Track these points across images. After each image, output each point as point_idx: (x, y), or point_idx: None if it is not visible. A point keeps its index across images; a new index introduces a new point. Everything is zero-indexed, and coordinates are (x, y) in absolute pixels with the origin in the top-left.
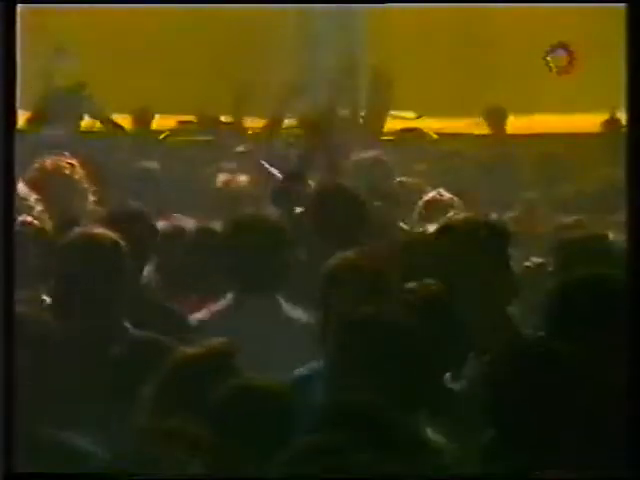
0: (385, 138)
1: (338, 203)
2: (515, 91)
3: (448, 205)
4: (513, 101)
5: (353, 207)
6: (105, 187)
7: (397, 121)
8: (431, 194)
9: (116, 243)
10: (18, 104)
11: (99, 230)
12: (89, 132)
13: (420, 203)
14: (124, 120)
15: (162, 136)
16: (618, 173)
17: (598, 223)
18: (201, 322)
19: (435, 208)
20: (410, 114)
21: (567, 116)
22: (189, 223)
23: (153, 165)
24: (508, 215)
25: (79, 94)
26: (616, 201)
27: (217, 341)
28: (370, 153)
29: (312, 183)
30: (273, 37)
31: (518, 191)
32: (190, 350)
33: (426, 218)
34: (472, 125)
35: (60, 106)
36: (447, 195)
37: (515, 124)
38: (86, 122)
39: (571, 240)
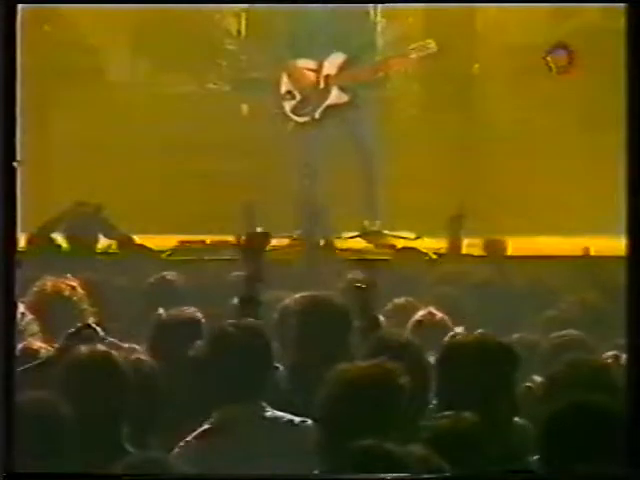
0: (382, 258)
1: (325, 314)
2: (513, 213)
3: (440, 325)
4: (511, 223)
5: (342, 320)
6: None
7: (396, 241)
8: (421, 313)
9: (118, 363)
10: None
11: (95, 351)
12: (104, 253)
13: (410, 323)
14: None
15: (164, 255)
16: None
17: (590, 345)
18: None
19: (426, 328)
20: (409, 234)
21: (564, 239)
22: None
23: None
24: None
25: (95, 216)
26: (608, 324)
27: None
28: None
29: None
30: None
31: (514, 313)
32: None
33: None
34: (471, 246)
35: (75, 228)
36: (439, 314)
37: (513, 246)
38: (101, 243)
39: (569, 363)
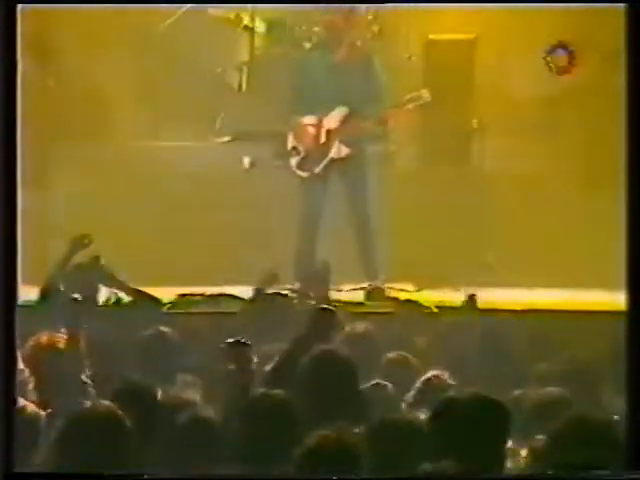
0: (383, 311)
1: (331, 369)
2: (512, 266)
3: (446, 385)
4: (510, 276)
5: (345, 375)
6: (110, 360)
7: (396, 293)
8: (430, 374)
9: (119, 420)
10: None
11: (98, 406)
12: (104, 304)
13: (418, 384)
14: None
15: (165, 307)
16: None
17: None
18: None
19: (433, 388)
20: (409, 287)
21: (565, 292)
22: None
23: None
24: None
25: (94, 268)
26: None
27: None
28: (360, 326)
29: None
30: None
31: (515, 367)
32: None
33: (423, 398)
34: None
35: (74, 280)
36: (445, 375)
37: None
38: (102, 294)
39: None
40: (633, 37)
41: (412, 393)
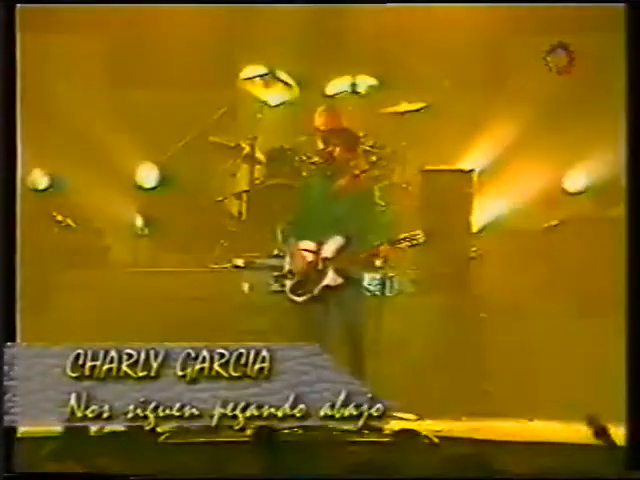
0: (383, 440)
1: None
2: (511, 395)
3: None
4: (509, 405)
5: None
6: None
7: (396, 422)
8: None
9: None
10: None
11: None
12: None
13: None
14: None
15: (161, 438)
16: None
17: None
18: None
19: None
20: (410, 415)
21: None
22: None
23: None
24: None
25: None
26: None
27: None
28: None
29: None
30: None
31: None
32: None
33: None
34: (472, 429)
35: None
36: None
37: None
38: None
39: None
40: (633, 37)
41: None
